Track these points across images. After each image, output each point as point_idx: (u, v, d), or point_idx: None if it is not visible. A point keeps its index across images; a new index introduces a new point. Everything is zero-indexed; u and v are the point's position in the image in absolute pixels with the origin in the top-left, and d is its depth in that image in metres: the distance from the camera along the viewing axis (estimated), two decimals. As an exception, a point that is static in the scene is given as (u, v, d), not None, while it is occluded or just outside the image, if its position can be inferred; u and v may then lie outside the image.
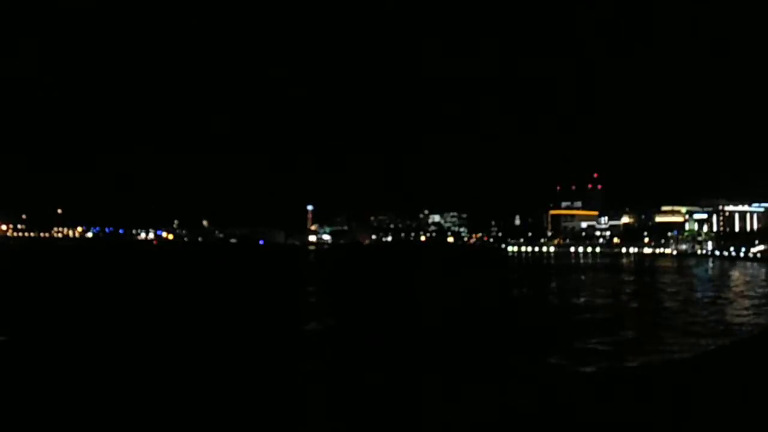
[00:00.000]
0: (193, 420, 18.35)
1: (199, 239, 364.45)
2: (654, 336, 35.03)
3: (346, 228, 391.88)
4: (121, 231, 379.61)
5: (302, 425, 18.30)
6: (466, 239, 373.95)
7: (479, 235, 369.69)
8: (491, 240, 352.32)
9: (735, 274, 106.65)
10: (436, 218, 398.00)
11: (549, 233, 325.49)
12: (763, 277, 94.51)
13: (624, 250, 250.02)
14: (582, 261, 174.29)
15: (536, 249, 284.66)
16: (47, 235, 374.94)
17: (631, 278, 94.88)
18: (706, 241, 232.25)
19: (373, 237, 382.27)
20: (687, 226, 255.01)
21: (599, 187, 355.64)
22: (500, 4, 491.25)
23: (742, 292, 68.46)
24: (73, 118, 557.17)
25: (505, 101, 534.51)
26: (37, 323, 36.87)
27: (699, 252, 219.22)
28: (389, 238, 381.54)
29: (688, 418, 16.28)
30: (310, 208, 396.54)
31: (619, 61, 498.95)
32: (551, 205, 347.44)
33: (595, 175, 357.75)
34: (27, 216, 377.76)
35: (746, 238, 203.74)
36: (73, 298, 51.47)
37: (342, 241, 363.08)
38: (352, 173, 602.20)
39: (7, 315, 40.54)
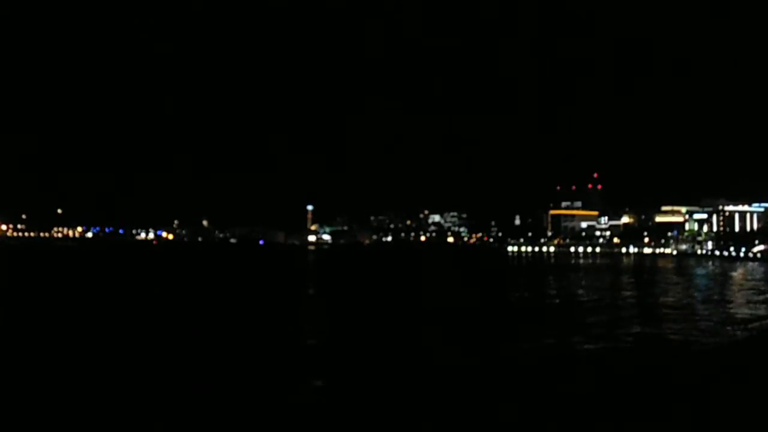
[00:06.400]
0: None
1: (199, 239, 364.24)
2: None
3: (346, 228, 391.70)
4: (121, 231, 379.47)
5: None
6: (466, 239, 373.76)
7: (479, 235, 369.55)
8: (491, 240, 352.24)
9: (736, 274, 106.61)
10: (436, 218, 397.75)
11: (549, 233, 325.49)
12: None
13: (624, 250, 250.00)
14: (582, 261, 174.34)
15: (536, 249, 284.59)
16: (47, 235, 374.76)
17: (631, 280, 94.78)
18: (706, 241, 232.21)
19: (374, 237, 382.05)
20: (687, 226, 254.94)
21: (599, 187, 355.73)
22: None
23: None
24: (73, 118, 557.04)
25: (505, 101, 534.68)
26: (36, 322, 36.88)
27: (699, 252, 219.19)
28: (389, 238, 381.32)
29: (688, 417, 16.29)
30: (310, 208, 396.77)
31: (619, 60, 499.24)
32: (551, 205, 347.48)
33: (595, 175, 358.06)
34: (27, 216, 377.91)
35: (746, 238, 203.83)
36: (73, 298, 51.47)
37: (342, 241, 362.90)
38: (353, 173, 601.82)
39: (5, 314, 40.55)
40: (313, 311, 47.80)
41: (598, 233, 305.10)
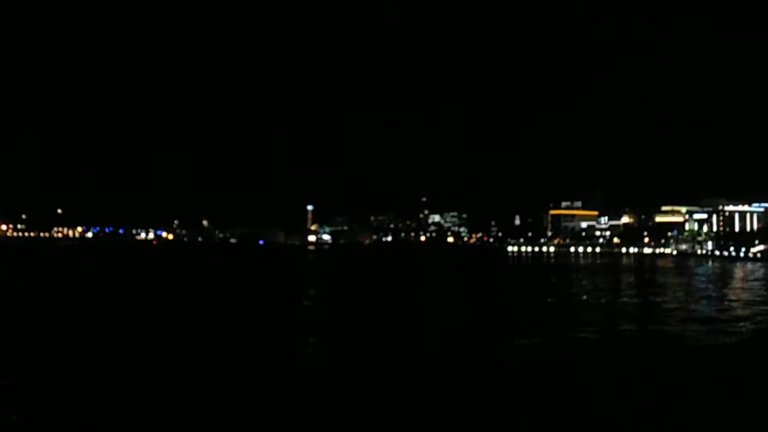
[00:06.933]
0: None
1: (199, 239, 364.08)
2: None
3: (346, 228, 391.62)
4: (121, 231, 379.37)
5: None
6: (466, 239, 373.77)
7: (479, 235, 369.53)
8: (491, 240, 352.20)
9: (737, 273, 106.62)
10: (436, 218, 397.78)
11: (549, 233, 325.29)
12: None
13: (624, 250, 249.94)
14: (582, 261, 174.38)
15: (536, 249, 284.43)
16: (47, 235, 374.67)
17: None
18: (706, 241, 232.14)
19: (374, 237, 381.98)
20: (687, 226, 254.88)
21: (599, 187, 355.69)
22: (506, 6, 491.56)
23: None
24: (73, 118, 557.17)
25: (505, 101, 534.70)
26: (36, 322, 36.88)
27: (699, 252, 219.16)
28: (389, 238, 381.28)
29: (686, 415, 16.31)
30: (310, 208, 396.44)
31: (619, 60, 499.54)
32: (551, 205, 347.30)
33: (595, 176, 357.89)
34: (27, 216, 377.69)
35: (746, 238, 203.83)
36: (73, 297, 51.49)
37: (342, 241, 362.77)
38: (353, 173, 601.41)
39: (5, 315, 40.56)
40: (313, 312, 47.82)
41: (598, 233, 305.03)
